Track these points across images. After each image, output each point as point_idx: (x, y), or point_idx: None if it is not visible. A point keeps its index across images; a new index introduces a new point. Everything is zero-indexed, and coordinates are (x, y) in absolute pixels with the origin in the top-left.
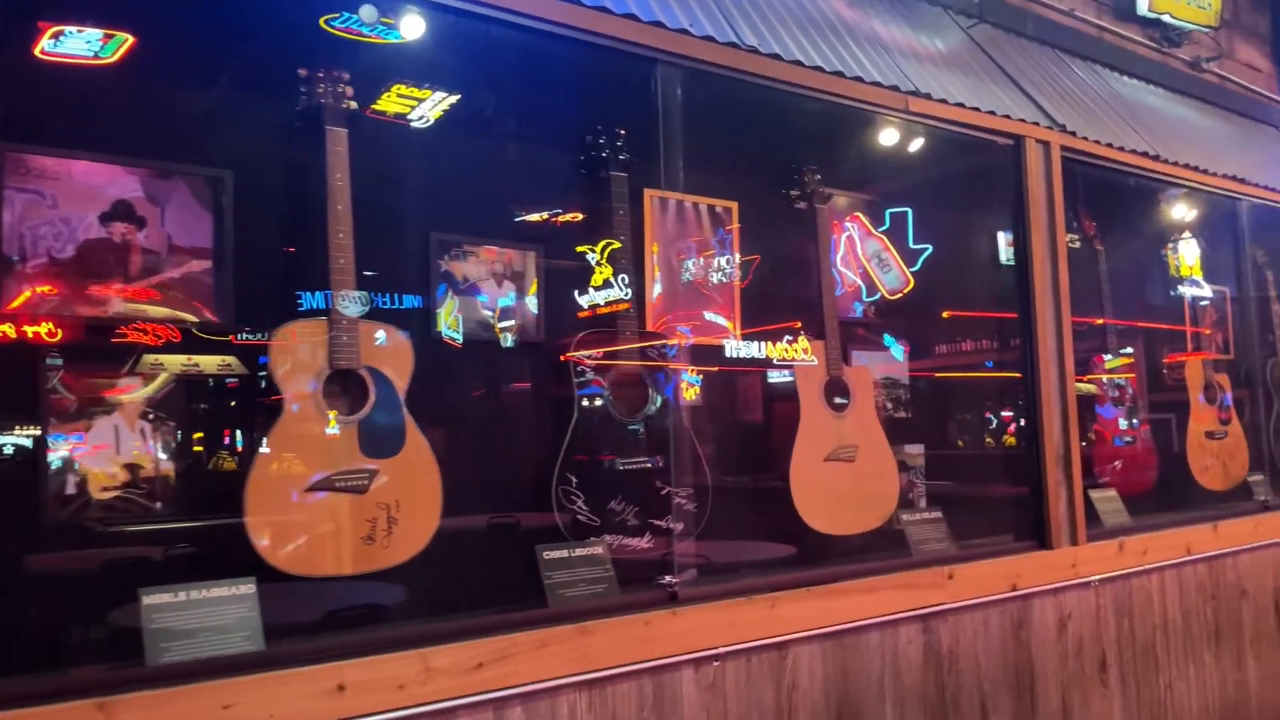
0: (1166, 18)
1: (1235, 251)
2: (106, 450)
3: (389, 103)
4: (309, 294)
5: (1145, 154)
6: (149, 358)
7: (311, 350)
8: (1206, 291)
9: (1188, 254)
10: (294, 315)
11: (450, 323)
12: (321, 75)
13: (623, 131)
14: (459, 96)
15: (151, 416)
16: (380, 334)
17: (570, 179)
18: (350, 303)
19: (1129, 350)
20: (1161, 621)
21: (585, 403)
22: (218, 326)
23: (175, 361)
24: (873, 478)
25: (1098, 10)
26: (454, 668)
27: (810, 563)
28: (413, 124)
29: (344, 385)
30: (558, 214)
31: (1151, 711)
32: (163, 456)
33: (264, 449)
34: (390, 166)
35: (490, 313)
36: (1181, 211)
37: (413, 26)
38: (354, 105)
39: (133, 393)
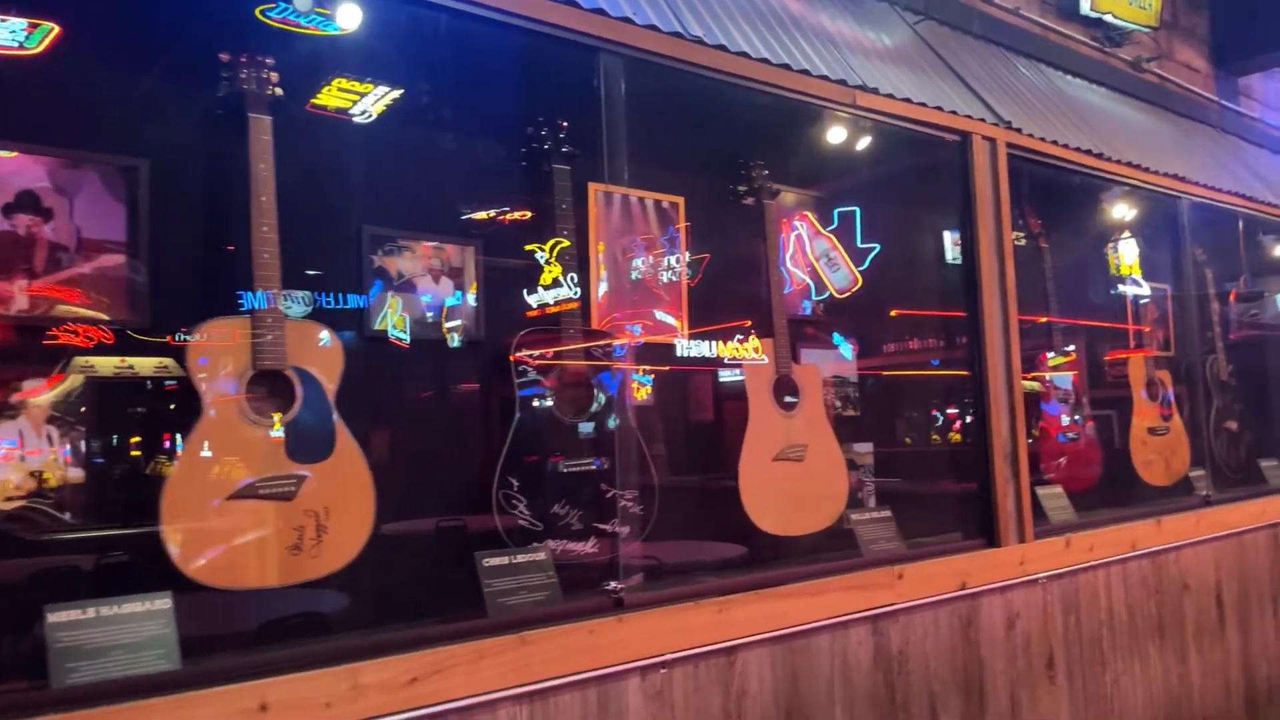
0: (1109, 17)
1: (1176, 250)
2: (11, 458)
3: (330, 97)
4: (248, 294)
5: (1089, 152)
6: (78, 359)
7: (232, 350)
8: (1145, 290)
9: (1127, 253)
10: (216, 314)
11: (396, 322)
12: (244, 60)
13: (565, 124)
14: (402, 91)
15: (60, 420)
16: (309, 333)
17: (513, 173)
18: (291, 302)
19: (1071, 348)
20: (1107, 617)
21: (527, 404)
22: (132, 324)
23: (107, 364)
24: (822, 477)
25: (1042, 9)
26: (385, 684)
27: (760, 565)
28: (355, 119)
29: (269, 387)
30: (505, 212)
31: (1098, 707)
32: (74, 463)
33: (182, 455)
34: (326, 160)
35: (432, 312)
36: (1124, 210)
37: (349, 16)
38: (279, 92)
39: (39, 396)
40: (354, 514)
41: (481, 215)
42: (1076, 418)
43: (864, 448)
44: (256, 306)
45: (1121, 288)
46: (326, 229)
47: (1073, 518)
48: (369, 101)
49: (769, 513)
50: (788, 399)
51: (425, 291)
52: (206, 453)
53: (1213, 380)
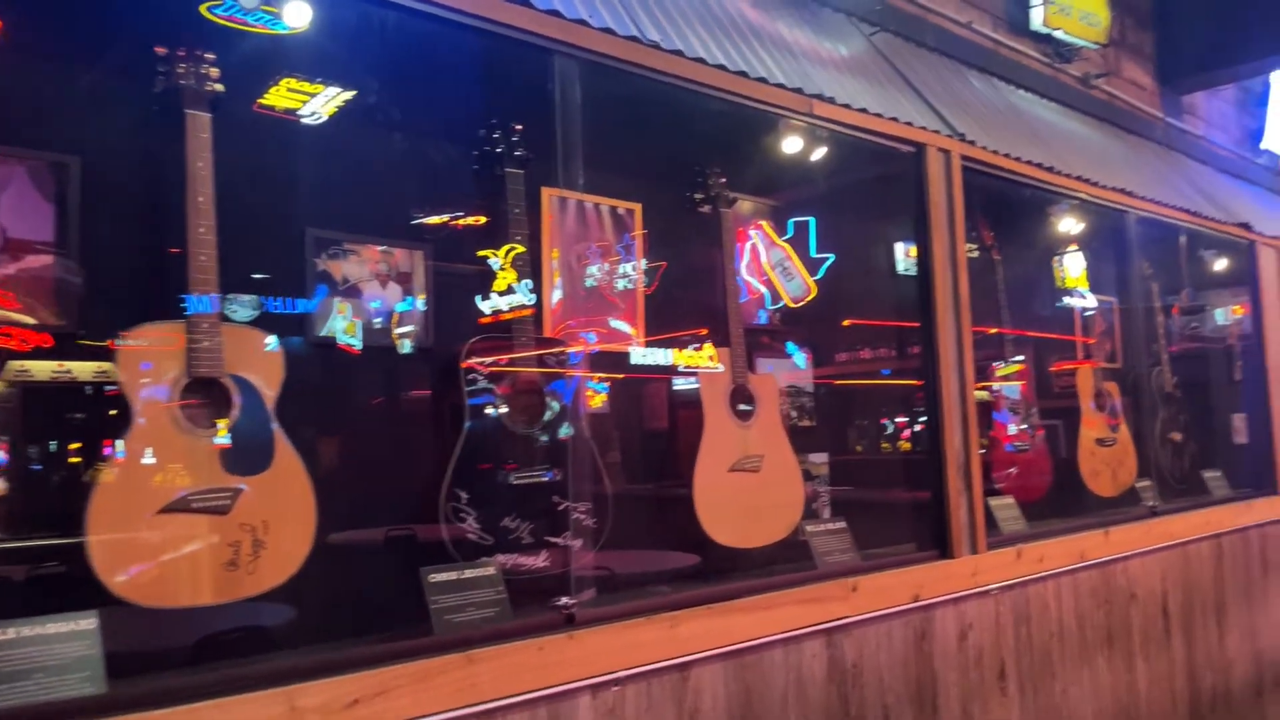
0: (1059, 34)
1: (1122, 263)
2: None
3: (278, 98)
4: (192, 297)
5: (1041, 165)
6: (12, 364)
7: (166, 356)
8: (1092, 302)
9: (1074, 266)
10: (157, 318)
11: (347, 328)
12: (183, 55)
13: (519, 127)
14: (354, 93)
15: None
16: (248, 339)
17: (465, 177)
18: (237, 306)
19: (1020, 358)
20: (1057, 628)
21: (478, 413)
22: (63, 328)
23: (44, 368)
24: (778, 488)
25: (994, 24)
26: (324, 706)
27: (714, 578)
28: (304, 120)
29: (205, 395)
30: (458, 217)
31: (1049, 718)
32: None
33: (109, 466)
34: (271, 161)
35: (381, 318)
36: (1073, 223)
37: (298, 14)
38: (219, 88)
39: None
40: (294, 528)
41: (434, 220)
42: (1026, 428)
43: (819, 458)
44: (194, 311)
45: (1068, 300)
46: (271, 231)
47: (1024, 528)
48: (319, 103)
49: (724, 525)
50: (744, 408)
51: (372, 297)
52: (137, 463)
53: (1158, 392)
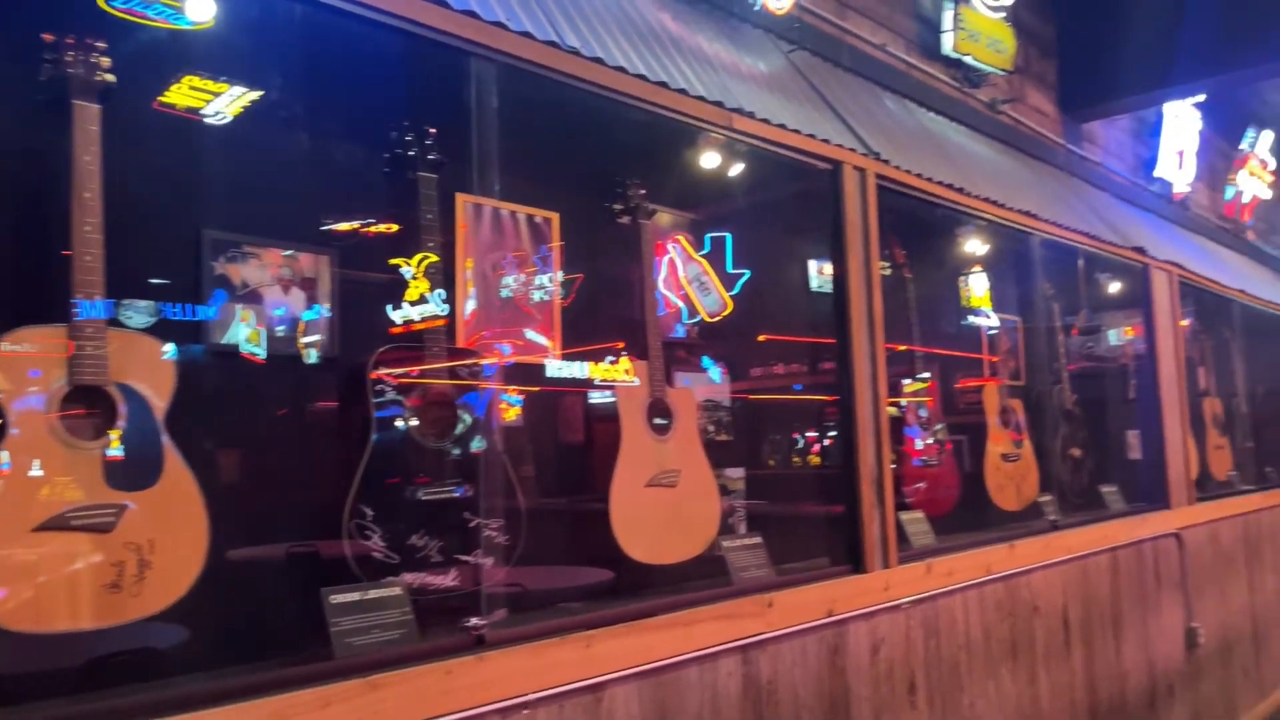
0: (968, 59)
1: (1026, 283)
2: None
3: (180, 96)
4: (85, 302)
5: (951, 186)
6: None
7: (45, 363)
8: (995, 321)
9: (978, 286)
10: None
11: (250, 336)
12: (71, 42)
13: (433, 130)
14: (260, 94)
15: None
16: (136, 346)
17: (376, 180)
18: (132, 312)
19: (926, 375)
20: (965, 641)
21: (385, 426)
22: None
23: None
24: (695, 503)
25: (907, 47)
26: None
27: (629, 595)
28: (207, 120)
29: (88, 405)
30: (369, 223)
31: None
32: None
33: None
34: (170, 160)
35: (284, 325)
36: (980, 244)
37: (201, 9)
38: (110, 79)
39: None
40: (183, 547)
41: (344, 226)
42: (935, 443)
43: (735, 473)
44: (79, 315)
45: (973, 319)
46: (166, 233)
47: (933, 542)
48: (223, 102)
49: (641, 541)
50: (661, 422)
51: (275, 303)
52: (10, 476)
53: (1059, 409)
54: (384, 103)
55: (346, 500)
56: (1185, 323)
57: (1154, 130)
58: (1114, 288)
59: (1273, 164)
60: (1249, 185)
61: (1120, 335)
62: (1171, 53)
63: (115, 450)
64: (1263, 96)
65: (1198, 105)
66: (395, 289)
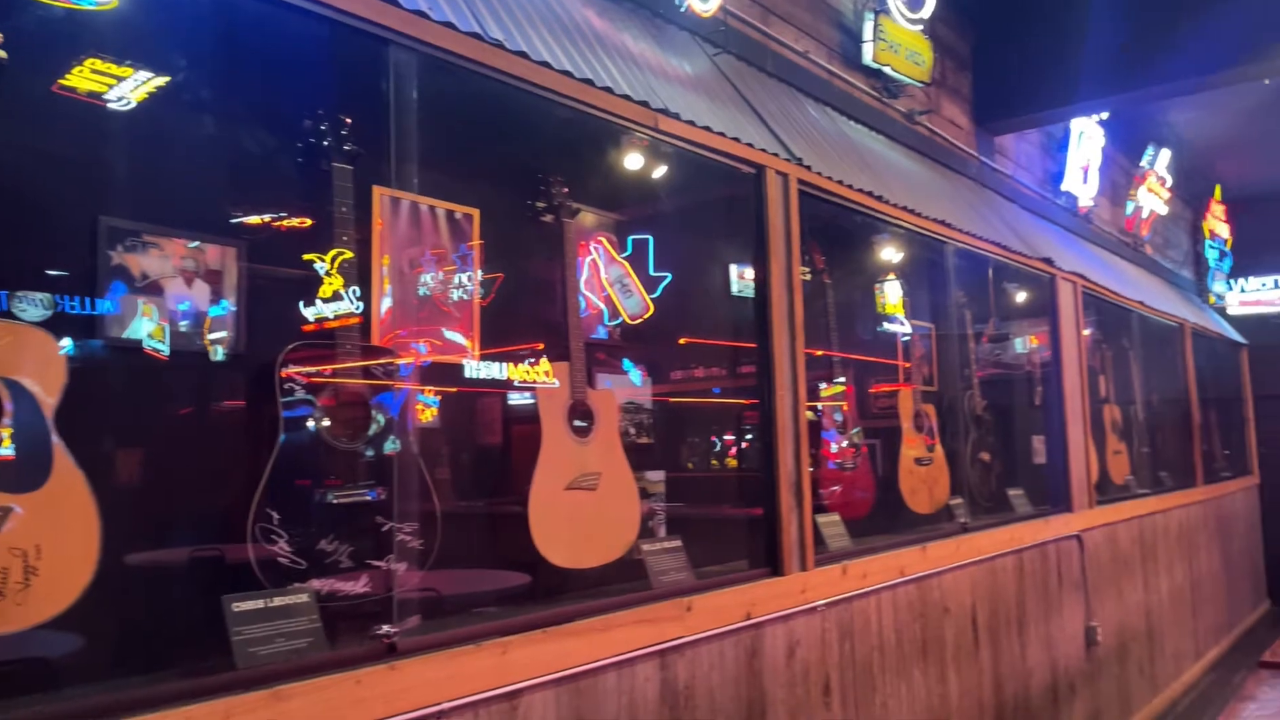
0: (887, 70)
1: (939, 291)
2: None
3: (81, 79)
4: None
5: (871, 194)
6: None
7: None
8: (906, 329)
9: (891, 294)
10: None
11: (154, 331)
12: None
13: (349, 120)
14: (167, 79)
15: None
16: (23, 339)
17: (289, 171)
18: (27, 304)
19: (842, 380)
20: (878, 642)
21: (294, 426)
22: None
23: None
24: (615, 506)
25: (829, 56)
26: None
27: (547, 600)
28: (110, 105)
29: None
30: (281, 218)
31: None
32: None
33: None
34: (68, 145)
35: (187, 320)
36: (897, 251)
37: None
38: (2, 55)
39: None
40: (72, 552)
41: (255, 220)
42: (848, 445)
43: (656, 475)
44: None
45: (887, 325)
46: (63, 221)
47: (849, 545)
48: (127, 87)
49: (559, 545)
50: (582, 424)
51: (177, 296)
52: None
53: (969, 414)
54: (298, 91)
55: (251, 503)
56: (1087, 332)
57: (1061, 145)
58: (1020, 297)
59: (1170, 181)
60: (1148, 201)
61: (1026, 344)
62: (1079, 71)
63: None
64: (1162, 116)
65: (1102, 123)
66: (308, 285)
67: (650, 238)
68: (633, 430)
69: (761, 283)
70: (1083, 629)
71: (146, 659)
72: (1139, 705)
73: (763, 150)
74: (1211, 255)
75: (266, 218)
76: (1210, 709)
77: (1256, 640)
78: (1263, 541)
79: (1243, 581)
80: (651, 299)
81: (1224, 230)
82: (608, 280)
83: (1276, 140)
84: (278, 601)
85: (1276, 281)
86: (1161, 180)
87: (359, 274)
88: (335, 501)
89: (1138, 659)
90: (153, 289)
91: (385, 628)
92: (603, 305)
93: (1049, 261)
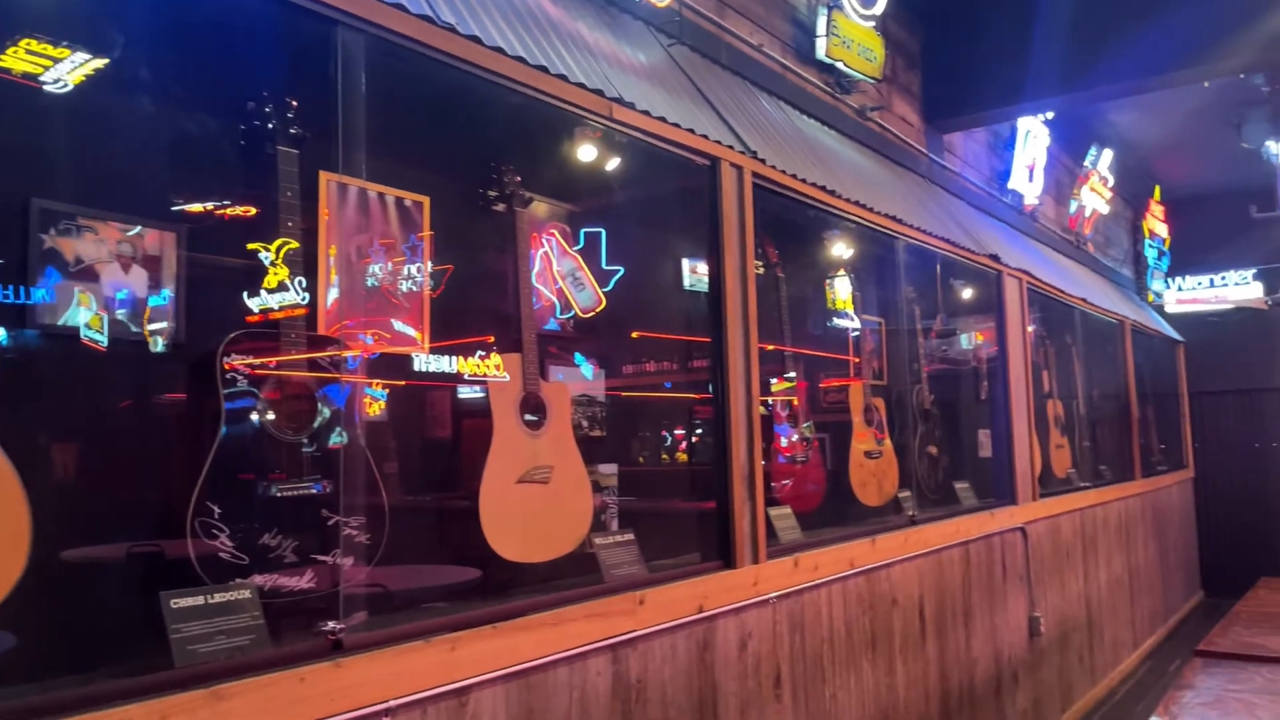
0: (840, 65)
1: (889, 287)
2: None
3: (15, 60)
4: None
5: (824, 188)
6: None
7: None
8: (856, 324)
9: (841, 289)
10: None
11: (91, 321)
12: None
13: (294, 102)
14: (106, 61)
15: None
16: None
17: (232, 155)
18: None
19: (792, 375)
20: (828, 634)
21: (237, 418)
22: None
23: None
24: (567, 500)
25: (783, 50)
26: None
27: (497, 595)
28: (47, 87)
29: None
30: (224, 206)
31: None
32: None
33: None
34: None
35: (125, 308)
36: (849, 246)
37: None
38: None
39: None
40: (0, 548)
41: (198, 208)
42: (799, 439)
43: (609, 469)
44: None
45: (837, 320)
46: None
47: (800, 537)
48: (64, 69)
49: (511, 539)
50: (534, 417)
51: (114, 283)
52: None
53: (917, 408)
54: (242, 73)
55: (191, 497)
56: (1032, 328)
57: (1008, 144)
58: (967, 293)
59: (1112, 181)
60: (1090, 200)
61: (971, 339)
62: (1025, 71)
63: None
64: (1105, 117)
65: (1048, 122)
66: (252, 275)
67: (603, 231)
68: (585, 423)
69: (716, 276)
70: (1026, 619)
71: (81, 658)
72: (1079, 694)
73: (718, 142)
74: (1151, 254)
75: (209, 205)
76: (1147, 697)
77: (1190, 629)
78: (1197, 534)
79: (1178, 572)
80: (604, 292)
81: (1163, 230)
82: (560, 273)
83: (1214, 142)
84: (218, 598)
85: (1212, 281)
86: (1104, 180)
87: (305, 263)
88: (279, 495)
89: (1078, 648)
90: (87, 274)
91: (330, 624)
92: (554, 298)
93: (995, 258)
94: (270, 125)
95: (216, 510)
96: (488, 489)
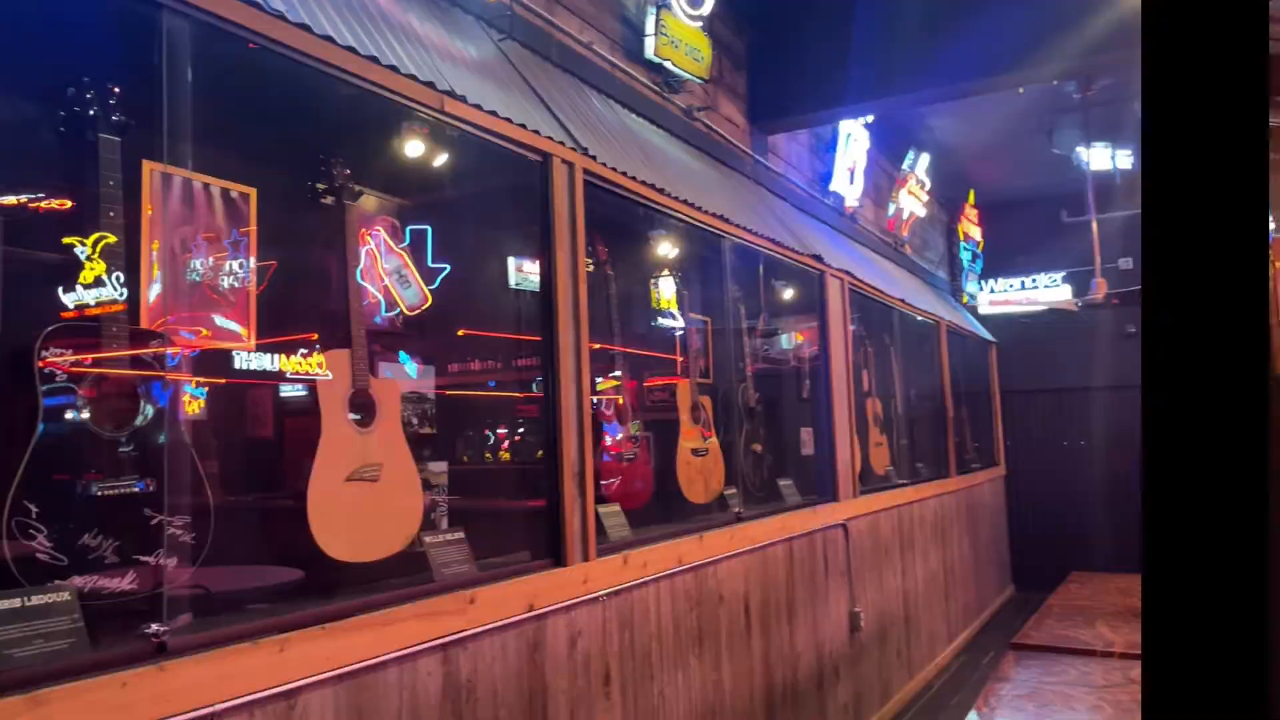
0: (668, 64)
1: (716, 286)
2: None
3: None
4: None
5: (654, 186)
6: None
7: None
8: (680, 323)
9: (666, 289)
10: None
11: None
12: None
13: (116, 89)
14: None
15: None
16: None
17: (50, 142)
18: None
19: (618, 373)
20: (657, 631)
21: (54, 416)
22: None
23: None
24: (397, 498)
25: (612, 48)
26: None
27: (327, 595)
28: None
29: None
30: (39, 198)
31: (647, 719)
32: None
33: None
34: None
35: None
36: (677, 244)
37: None
38: None
39: None
40: None
41: (12, 200)
42: (626, 437)
43: (438, 466)
44: None
45: (661, 320)
46: None
47: (630, 535)
48: None
49: (339, 537)
50: (364, 415)
51: None
52: None
53: (742, 406)
54: (62, 57)
55: (6, 496)
56: (852, 328)
57: (830, 147)
58: (791, 293)
59: (929, 185)
60: (908, 203)
61: (792, 339)
62: (844, 75)
63: None
64: (924, 122)
65: (868, 126)
66: (67, 270)
67: (429, 228)
68: (415, 420)
69: (547, 273)
70: (847, 615)
71: None
72: (897, 687)
73: (549, 138)
74: (965, 257)
75: (24, 198)
76: (963, 690)
77: (1003, 623)
78: (1008, 529)
79: (990, 567)
80: (430, 290)
81: (976, 233)
82: (385, 271)
83: (1026, 148)
84: (35, 600)
85: (1024, 283)
86: (921, 184)
87: (127, 255)
88: (100, 494)
89: (896, 643)
90: None
91: (154, 626)
92: (380, 296)
93: (819, 258)
94: (91, 112)
95: (34, 510)
96: (315, 487)
